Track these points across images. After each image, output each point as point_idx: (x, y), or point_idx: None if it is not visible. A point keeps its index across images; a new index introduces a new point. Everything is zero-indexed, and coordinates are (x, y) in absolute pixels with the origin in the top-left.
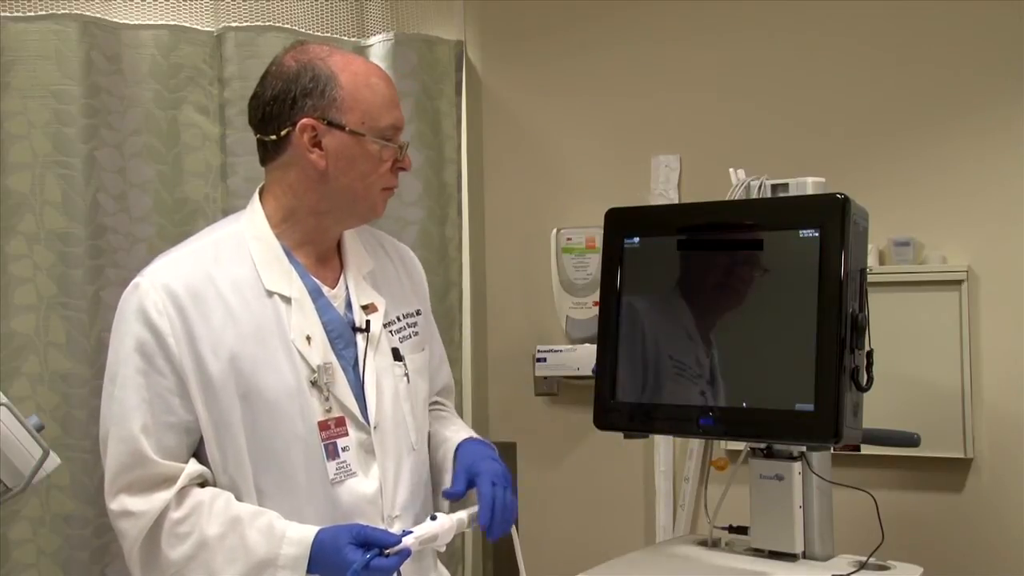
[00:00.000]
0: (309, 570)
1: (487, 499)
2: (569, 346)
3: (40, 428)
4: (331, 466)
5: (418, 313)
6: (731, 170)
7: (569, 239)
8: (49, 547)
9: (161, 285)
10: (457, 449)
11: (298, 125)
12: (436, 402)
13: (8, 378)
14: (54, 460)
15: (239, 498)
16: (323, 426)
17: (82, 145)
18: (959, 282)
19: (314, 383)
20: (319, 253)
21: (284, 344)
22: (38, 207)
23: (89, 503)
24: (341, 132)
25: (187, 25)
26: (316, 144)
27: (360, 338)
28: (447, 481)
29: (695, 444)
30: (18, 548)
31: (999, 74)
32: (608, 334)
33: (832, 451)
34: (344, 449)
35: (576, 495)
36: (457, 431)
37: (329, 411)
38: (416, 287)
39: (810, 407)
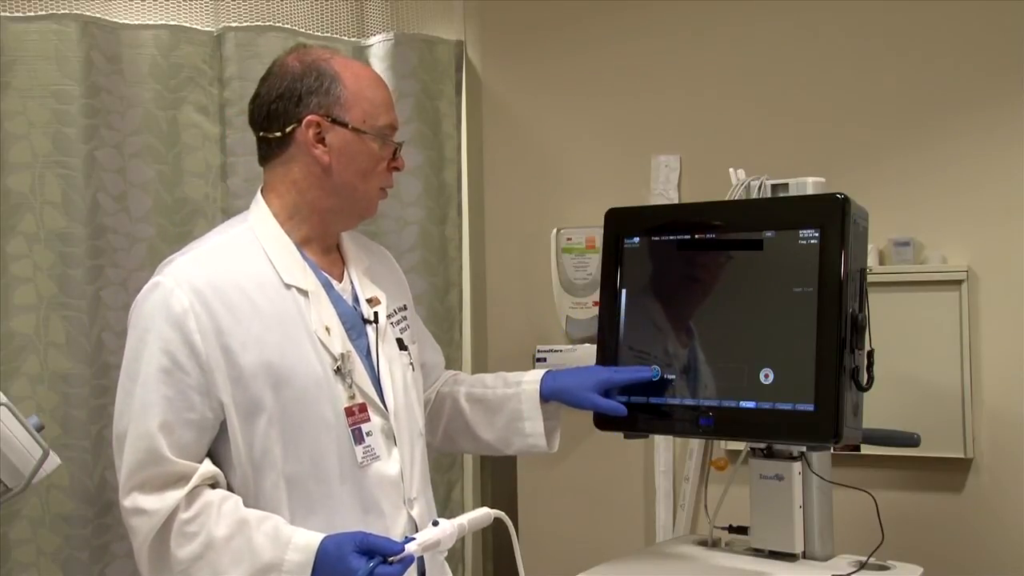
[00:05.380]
0: None
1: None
2: (569, 346)
3: (40, 428)
4: (358, 450)
5: (405, 308)
6: (731, 170)
7: (569, 239)
8: (49, 547)
9: (186, 283)
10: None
11: (304, 121)
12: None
13: (8, 378)
14: (54, 460)
15: (264, 487)
16: (348, 412)
17: (82, 145)
18: (959, 282)
19: (338, 371)
20: (323, 249)
21: (308, 334)
22: (38, 207)
23: (89, 503)
24: (344, 129)
25: (187, 25)
26: (320, 140)
27: (370, 329)
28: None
29: (695, 444)
30: (18, 548)
31: (999, 73)
32: (608, 334)
33: (832, 451)
34: (368, 434)
35: (576, 495)
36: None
37: (353, 398)
38: (401, 284)
39: (810, 407)
